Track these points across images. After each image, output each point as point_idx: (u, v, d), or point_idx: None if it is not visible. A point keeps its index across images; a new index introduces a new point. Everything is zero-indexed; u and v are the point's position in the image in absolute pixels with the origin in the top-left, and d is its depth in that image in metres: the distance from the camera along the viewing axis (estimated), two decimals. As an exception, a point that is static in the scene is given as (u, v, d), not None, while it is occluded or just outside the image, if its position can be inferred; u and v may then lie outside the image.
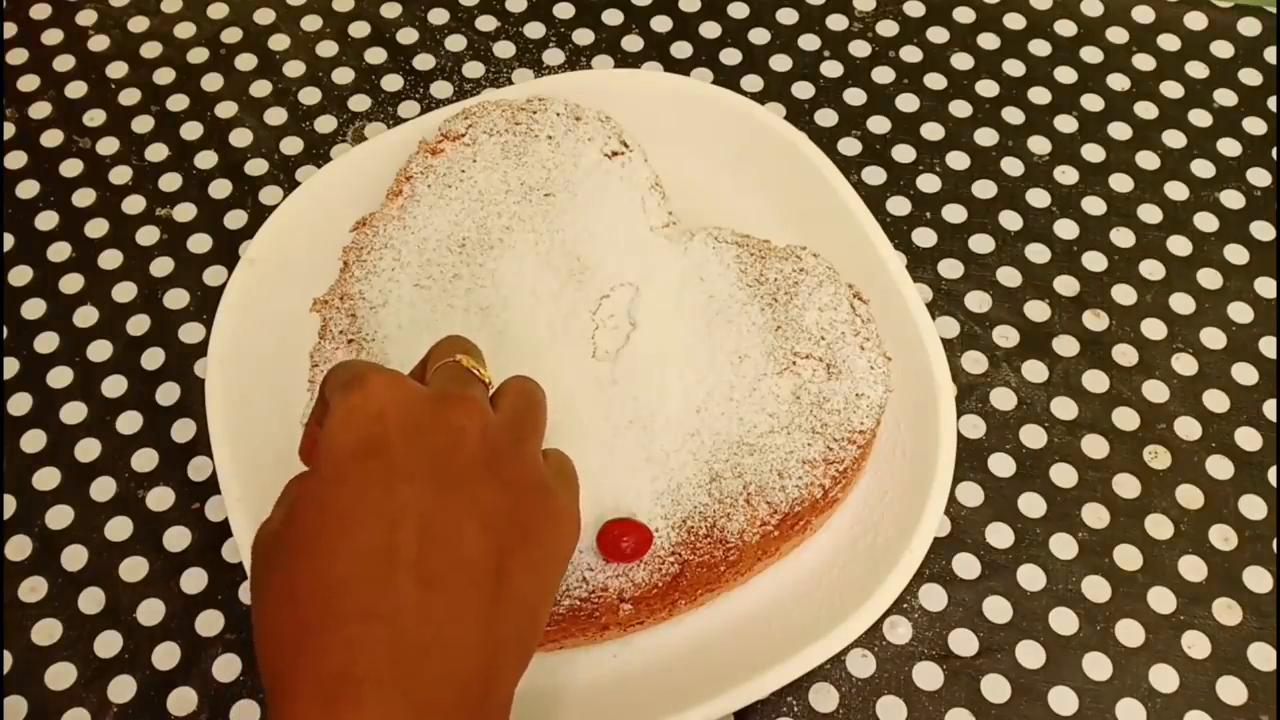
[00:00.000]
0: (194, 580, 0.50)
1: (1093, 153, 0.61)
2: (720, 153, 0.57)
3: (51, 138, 0.62)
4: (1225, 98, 0.62)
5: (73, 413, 0.54)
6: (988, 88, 0.63)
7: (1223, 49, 0.64)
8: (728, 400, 0.48)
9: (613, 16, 0.65)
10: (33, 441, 0.53)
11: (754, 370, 0.48)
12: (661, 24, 0.65)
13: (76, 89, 0.63)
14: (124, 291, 0.57)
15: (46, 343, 0.56)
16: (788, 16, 0.65)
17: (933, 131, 0.61)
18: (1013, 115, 0.62)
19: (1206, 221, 0.59)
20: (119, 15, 0.66)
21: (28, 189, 0.60)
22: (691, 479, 0.47)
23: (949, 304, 0.57)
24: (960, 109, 0.62)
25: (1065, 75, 0.63)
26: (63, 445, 0.53)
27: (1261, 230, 0.58)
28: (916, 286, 0.53)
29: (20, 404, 0.54)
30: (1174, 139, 0.61)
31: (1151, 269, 0.57)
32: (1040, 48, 0.64)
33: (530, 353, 0.49)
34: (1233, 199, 0.59)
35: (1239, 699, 0.48)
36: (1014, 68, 0.63)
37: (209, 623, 0.49)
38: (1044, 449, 0.53)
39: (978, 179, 0.60)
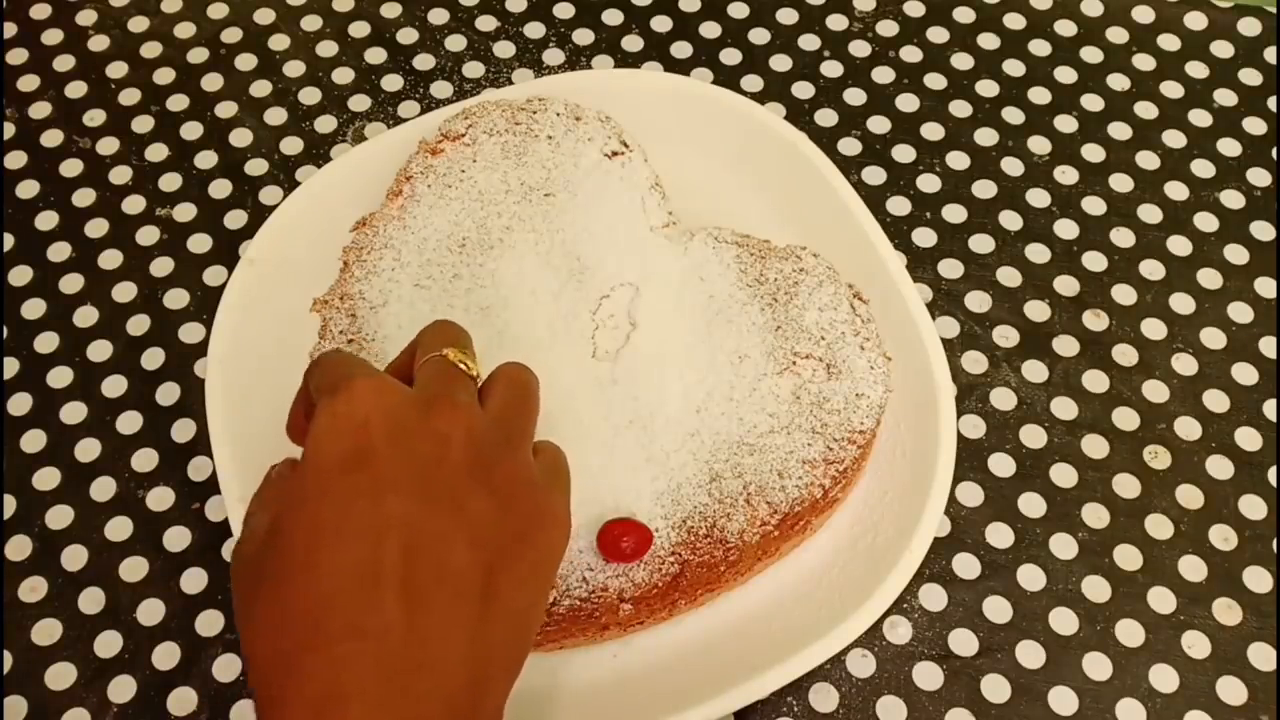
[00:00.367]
0: (194, 580, 0.50)
1: (1093, 153, 0.61)
2: (720, 153, 0.57)
3: (51, 138, 0.62)
4: (1225, 98, 0.62)
5: (73, 413, 0.54)
6: (988, 88, 0.63)
7: (1223, 49, 0.64)
8: (728, 400, 0.48)
9: (613, 16, 0.65)
10: (33, 441, 0.53)
11: (754, 370, 0.48)
12: (661, 24, 0.65)
13: (76, 89, 0.63)
14: (124, 291, 0.57)
15: (46, 343, 0.56)
16: (788, 16, 0.65)
17: (933, 131, 0.61)
18: (1013, 115, 0.62)
19: (1206, 221, 0.59)
20: (119, 15, 0.66)
21: (28, 189, 0.60)
22: (691, 479, 0.46)
23: (949, 304, 0.57)
24: (960, 109, 0.62)
25: (1065, 75, 0.63)
26: (63, 445, 0.53)
27: (1261, 230, 0.58)
28: (916, 286, 0.53)
29: (20, 404, 0.54)
30: (1174, 139, 0.61)
31: (1151, 269, 0.57)
32: (1040, 48, 0.64)
33: (530, 353, 0.49)
34: (1233, 199, 0.59)
35: (1239, 699, 0.48)
36: (1014, 68, 0.63)
37: (209, 623, 0.49)
38: (1044, 449, 0.53)
39: (978, 179, 0.60)
